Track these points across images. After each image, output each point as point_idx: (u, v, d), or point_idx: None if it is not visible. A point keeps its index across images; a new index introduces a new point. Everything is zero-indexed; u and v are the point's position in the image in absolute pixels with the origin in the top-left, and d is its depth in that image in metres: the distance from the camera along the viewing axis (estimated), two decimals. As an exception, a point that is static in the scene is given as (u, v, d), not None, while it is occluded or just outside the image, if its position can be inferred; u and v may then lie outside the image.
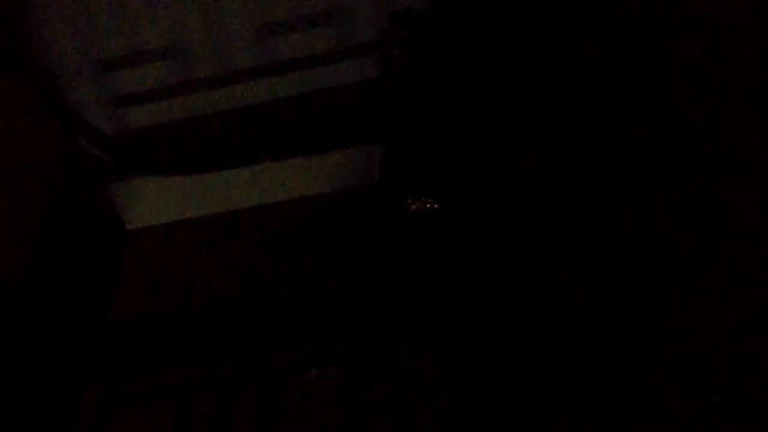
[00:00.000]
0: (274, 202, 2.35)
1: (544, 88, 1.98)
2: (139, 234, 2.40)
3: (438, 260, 2.00)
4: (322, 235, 2.16)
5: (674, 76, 1.82)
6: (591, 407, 1.63)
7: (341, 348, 1.94)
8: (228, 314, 2.09)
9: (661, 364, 1.62)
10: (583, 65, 1.93)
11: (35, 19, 1.99)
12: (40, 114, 2.17)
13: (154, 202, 2.35)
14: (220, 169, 2.24)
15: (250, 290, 2.13)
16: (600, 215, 1.92)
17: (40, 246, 2.24)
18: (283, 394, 1.89)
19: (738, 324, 1.42)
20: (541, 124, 2.04)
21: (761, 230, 1.55)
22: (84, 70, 2.10)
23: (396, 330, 1.93)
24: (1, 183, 2.17)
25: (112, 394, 1.99)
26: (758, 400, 1.30)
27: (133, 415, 1.95)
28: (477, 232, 1.99)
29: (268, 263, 2.17)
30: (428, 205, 2.02)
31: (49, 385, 2.03)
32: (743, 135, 1.76)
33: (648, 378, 1.63)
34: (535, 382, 1.71)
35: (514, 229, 1.98)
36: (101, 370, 2.04)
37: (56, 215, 2.33)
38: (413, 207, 2.04)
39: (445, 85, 2.07)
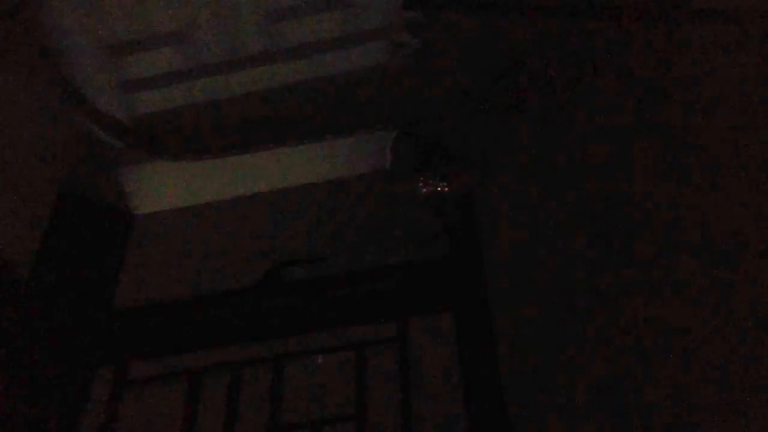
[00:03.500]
0: (283, 188, 2.35)
1: (554, 71, 1.98)
2: (148, 219, 2.40)
3: (448, 243, 2.00)
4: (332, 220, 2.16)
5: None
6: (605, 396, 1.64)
7: (349, 333, 1.94)
8: (236, 299, 2.09)
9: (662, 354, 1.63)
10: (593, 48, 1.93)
11: (46, 3, 1.99)
12: (49, 98, 2.17)
13: (162, 187, 2.35)
14: (229, 155, 2.24)
15: (257, 276, 2.14)
16: (607, 201, 1.92)
17: (49, 230, 2.25)
18: (290, 378, 1.90)
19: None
20: (552, 107, 2.04)
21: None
22: (94, 55, 2.10)
23: (405, 314, 1.94)
24: (11, 168, 2.18)
25: (122, 377, 2.00)
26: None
27: (142, 397, 1.96)
28: (486, 214, 1.99)
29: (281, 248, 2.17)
30: (438, 188, 2.02)
31: (60, 369, 2.04)
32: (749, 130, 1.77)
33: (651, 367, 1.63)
34: (547, 368, 1.71)
35: (523, 210, 1.98)
36: (111, 353, 2.05)
37: (65, 200, 2.33)
38: (423, 190, 2.04)
39: (457, 69, 2.07)
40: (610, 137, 2.03)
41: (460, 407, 1.74)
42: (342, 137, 2.17)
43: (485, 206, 2.02)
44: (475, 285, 1.91)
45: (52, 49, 2.07)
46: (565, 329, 1.74)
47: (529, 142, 2.09)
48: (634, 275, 1.77)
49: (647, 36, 1.94)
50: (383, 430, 1.75)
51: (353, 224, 2.17)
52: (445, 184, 2.03)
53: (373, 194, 2.22)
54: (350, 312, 1.98)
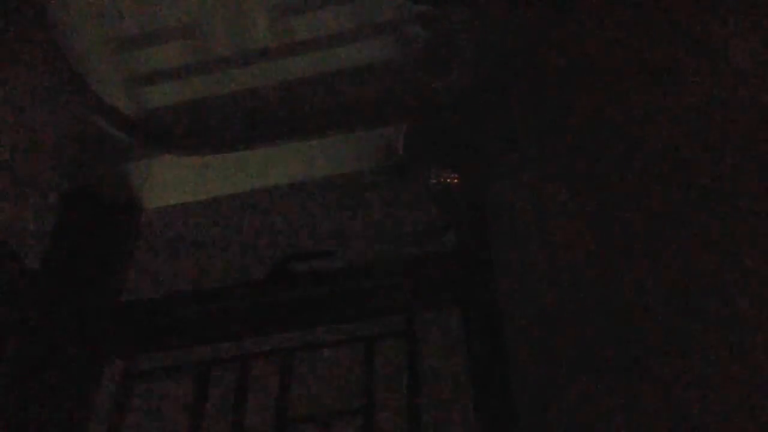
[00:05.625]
0: (292, 183, 2.35)
1: (564, 65, 1.97)
2: (156, 214, 2.41)
3: (457, 237, 2.01)
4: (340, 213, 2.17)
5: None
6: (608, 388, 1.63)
7: (357, 327, 1.94)
8: (244, 293, 2.09)
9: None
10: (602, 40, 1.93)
11: (55, -3, 1.99)
12: (59, 93, 2.18)
13: (171, 181, 2.35)
14: (237, 149, 2.24)
15: (265, 270, 2.14)
16: (620, 198, 1.91)
17: (58, 224, 2.26)
18: (297, 372, 1.90)
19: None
20: (563, 100, 2.04)
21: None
22: (103, 50, 2.11)
23: (413, 308, 1.93)
24: (20, 162, 2.18)
25: (131, 370, 2.00)
26: None
27: (150, 390, 1.96)
28: (496, 208, 1.99)
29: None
30: (449, 180, 2.03)
31: (68, 362, 2.04)
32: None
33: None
34: (551, 361, 1.71)
35: (534, 204, 1.98)
36: (119, 347, 2.05)
37: (73, 194, 2.34)
38: (434, 181, 2.04)
39: (467, 63, 2.07)
40: (624, 131, 2.03)
41: (468, 401, 1.73)
42: (352, 131, 2.17)
43: (496, 200, 2.02)
44: (485, 279, 1.90)
45: (62, 43, 2.08)
46: (574, 325, 1.73)
47: (541, 136, 2.08)
48: (646, 272, 1.76)
49: (661, 25, 1.93)
50: (391, 423, 1.74)
51: (362, 218, 2.17)
52: (455, 177, 2.03)
53: (382, 188, 2.22)
54: (358, 306, 1.98)
